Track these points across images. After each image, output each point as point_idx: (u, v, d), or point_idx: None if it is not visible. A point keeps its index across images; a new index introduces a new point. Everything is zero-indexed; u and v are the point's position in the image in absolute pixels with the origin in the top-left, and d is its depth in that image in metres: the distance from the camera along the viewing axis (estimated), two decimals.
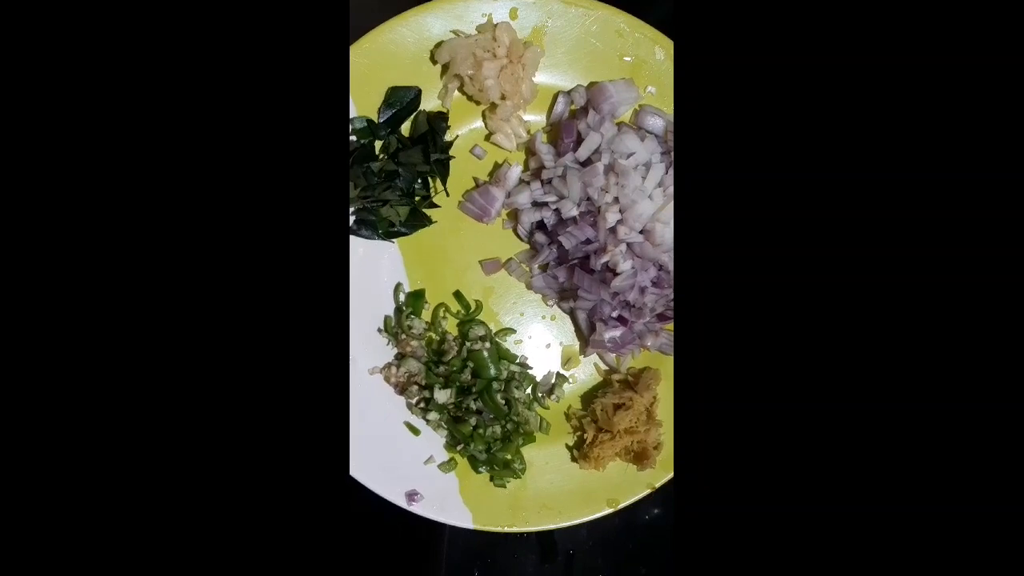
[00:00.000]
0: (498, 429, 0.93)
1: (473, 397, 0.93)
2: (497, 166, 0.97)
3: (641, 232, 0.90)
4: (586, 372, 1.01)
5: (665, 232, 0.90)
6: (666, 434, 0.98)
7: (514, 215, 0.98)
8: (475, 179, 0.97)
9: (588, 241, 0.91)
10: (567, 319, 1.00)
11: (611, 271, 0.91)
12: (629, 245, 0.90)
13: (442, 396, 0.92)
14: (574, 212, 0.91)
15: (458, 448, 0.95)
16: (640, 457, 0.97)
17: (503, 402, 0.94)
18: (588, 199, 0.91)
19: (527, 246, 0.99)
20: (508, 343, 0.99)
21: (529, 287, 0.99)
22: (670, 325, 0.98)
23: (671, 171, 0.92)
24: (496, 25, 0.91)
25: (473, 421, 0.93)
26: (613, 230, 0.90)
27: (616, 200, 0.90)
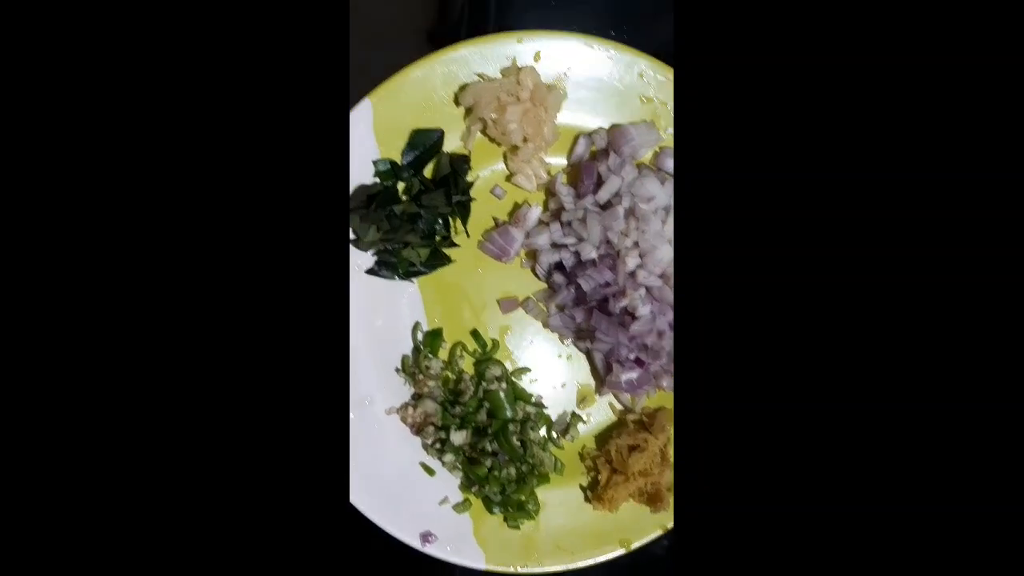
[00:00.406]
0: (513, 471, 0.93)
1: (489, 439, 0.93)
2: (517, 206, 0.97)
3: (660, 276, 0.91)
4: (601, 411, 1.01)
5: None
6: None
7: (532, 255, 0.98)
8: (495, 219, 0.98)
9: (607, 284, 0.91)
10: (583, 358, 1.00)
11: (630, 315, 0.91)
12: (648, 289, 0.91)
13: (458, 438, 0.92)
14: (593, 255, 0.92)
15: (473, 489, 0.95)
16: (654, 499, 0.97)
17: (518, 444, 0.94)
18: (607, 242, 0.91)
19: (545, 285, 0.99)
20: (524, 382, 0.99)
21: (546, 326, 0.99)
22: None
23: None
24: (520, 69, 0.91)
25: (488, 463, 0.93)
26: (632, 274, 0.90)
27: (636, 244, 0.90)
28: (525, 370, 0.99)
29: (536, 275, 0.98)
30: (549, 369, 0.99)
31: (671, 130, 0.98)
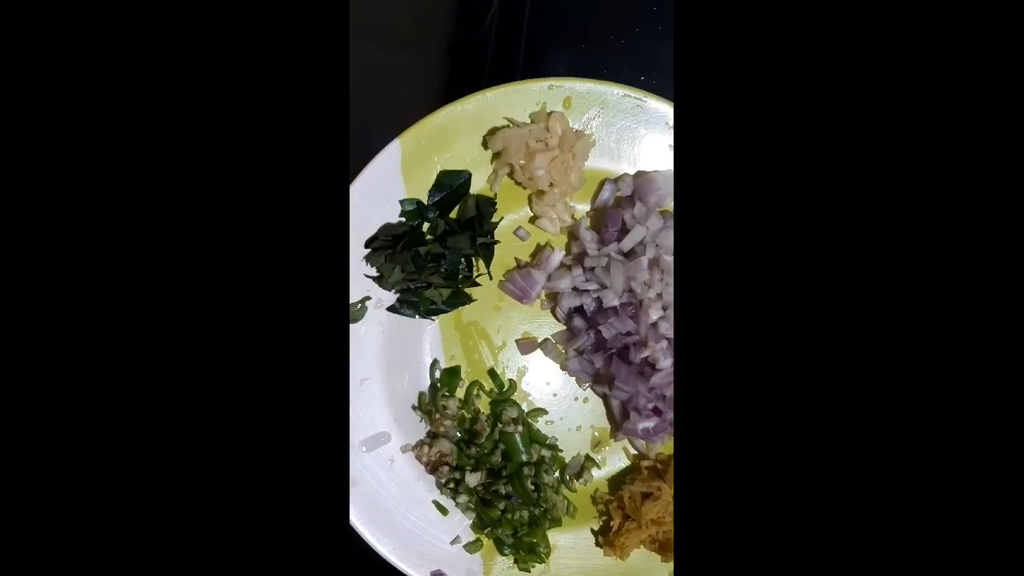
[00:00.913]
0: (526, 514, 0.93)
1: (503, 481, 0.93)
2: (540, 248, 0.98)
3: None
4: (615, 456, 1.00)
5: None
6: None
7: (553, 296, 0.98)
8: (517, 259, 0.98)
9: (628, 333, 0.91)
10: (599, 401, 1.00)
11: (650, 366, 0.91)
12: (670, 341, 0.90)
13: (473, 479, 0.92)
14: (616, 303, 0.92)
15: (485, 530, 0.95)
16: (665, 548, 0.96)
17: (532, 487, 0.93)
18: (630, 291, 0.91)
19: (564, 327, 0.99)
20: (539, 423, 0.99)
21: (564, 368, 0.99)
22: None
23: None
24: (550, 114, 0.92)
25: (502, 505, 0.93)
26: (655, 325, 0.90)
27: (659, 296, 0.90)
28: (541, 411, 0.99)
29: (556, 317, 0.98)
30: (565, 411, 0.99)
31: None
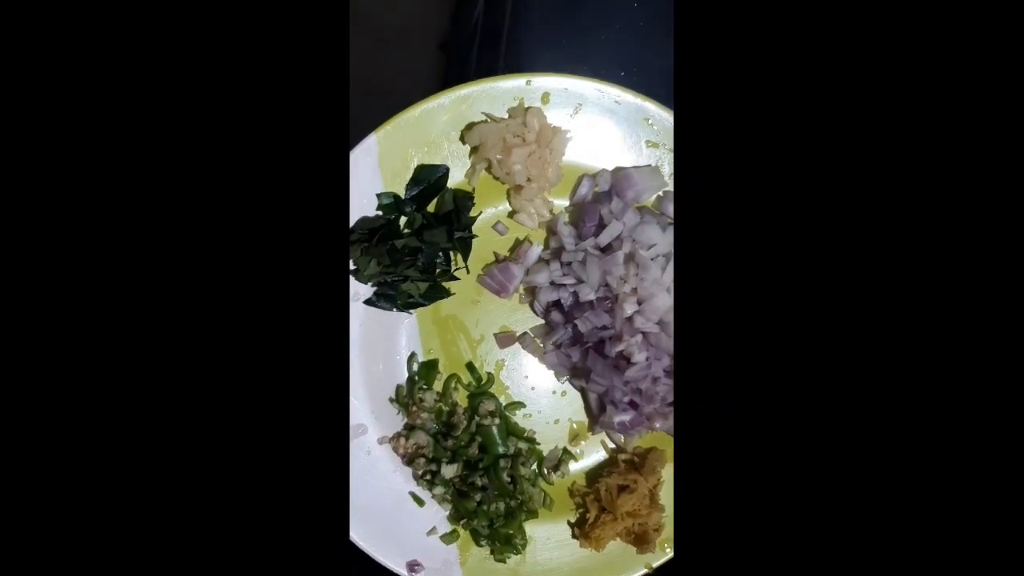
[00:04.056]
0: (502, 505, 0.94)
1: (479, 473, 0.94)
2: (518, 242, 0.98)
3: (658, 323, 0.91)
4: (593, 449, 1.01)
5: None
6: (667, 517, 0.98)
7: (532, 290, 0.98)
8: (495, 254, 0.98)
9: (604, 327, 0.92)
10: (577, 395, 1.01)
11: (625, 359, 0.92)
12: (645, 335, 0.91)
13: (449, 471, 0.93)
14: (591, 296, 0.92)
15: (461, 521, 0.96)
16: (640, 540, 0.97)
17: (508, 479, 0.94)
18: (606, 285, 0.92)
19: (542, 321, 1.00)
20: (517, 417, 0.99)
21: (542, 362, 0.99)
22: None
23: None
24: (527, 109, 0.92)
25: (478, 497, 0.93)
26: (630, 319, 0.91)
27: (634, 291, 0.90)
28: (519, 405, 0.99)
29: (534, 311, 0.99)
30: (543, 404, 1.00)
31: None
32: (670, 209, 0.97)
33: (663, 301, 0.90)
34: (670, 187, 0.98)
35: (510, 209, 0.97)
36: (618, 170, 0.96)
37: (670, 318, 0.90)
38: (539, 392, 1.00)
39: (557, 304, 0.96)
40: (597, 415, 0.98)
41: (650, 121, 0.96)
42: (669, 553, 0.98)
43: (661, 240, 0.92)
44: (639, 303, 0.90)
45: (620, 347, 0.90)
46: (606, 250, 0.93)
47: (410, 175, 0.93)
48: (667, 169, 0.97)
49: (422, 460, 0.94)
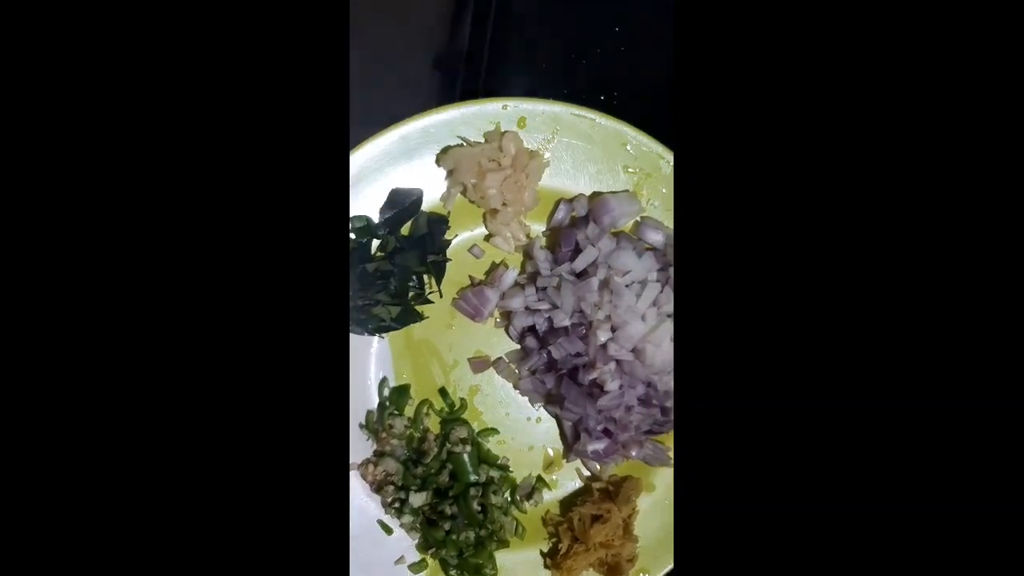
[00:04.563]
0: (472, 535, 0.92)
1: (449, 502, 0.92)
2: (494, 266, 0.97)
3: (632, 351, 0.90)
4: (568, 476, 1.00)
5: (656, 354, 0.89)
6: (641, 548, 0.97)
7: (507, 315, 0.97)
8: (471, 277, 0.97)
9: (578, 354, 0.91)
10: (553, 422, 0.99)
11: (599, 387, 0.90)
12: (619, 362, 0.90)
13: (417, 500, 0.91)
14: (566, 323, 0.91)
15: (430, 551, 0.94)
16: (613, 571, 0.95)
17: (479, 508, 0.93)
18: (581, 311, 0.91)
19: (518, 346, 0.98)
20: (491, 443, 0.98)
21: (517, 388, 0.98)
22: (656, 437, 0.98)
23: (667, 289, 0.91)
24: (503, 134, 0.91)
25: (447, 526, 0.92)
26: (604, 347, 0.89)
27: (608, 317, 0.89)
28: (493, 431, 0.98)
29: (509, 335, 0.98)
30: (518, 431, 0.98)
31: (654, 202, 0.97)
32: (648, 235, 0.96)
33: (637, 329, 0.88)
34: (647, 211, 0.97)
35: (487, 232, 0.96)
36: (595, 195, 0.96)
37: (644, 346, 0.89)
38: (513, 418, 0.98)
39: (532, 329, 0.95)
40: (572, 443, 0.96)
41: (628, 146, 0.95)
42: None
43: (637, 266, 0.91)
44: (613, 330, 0.89)
45: (593, 375, 0.89)
46: (581, 276, 0.92)
47: (384, 199, 0.92)
48: (645, 194, 0.97)
49: (391, 488, 0.92)
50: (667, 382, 0.91)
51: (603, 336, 0.89)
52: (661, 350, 0.89)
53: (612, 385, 0.89)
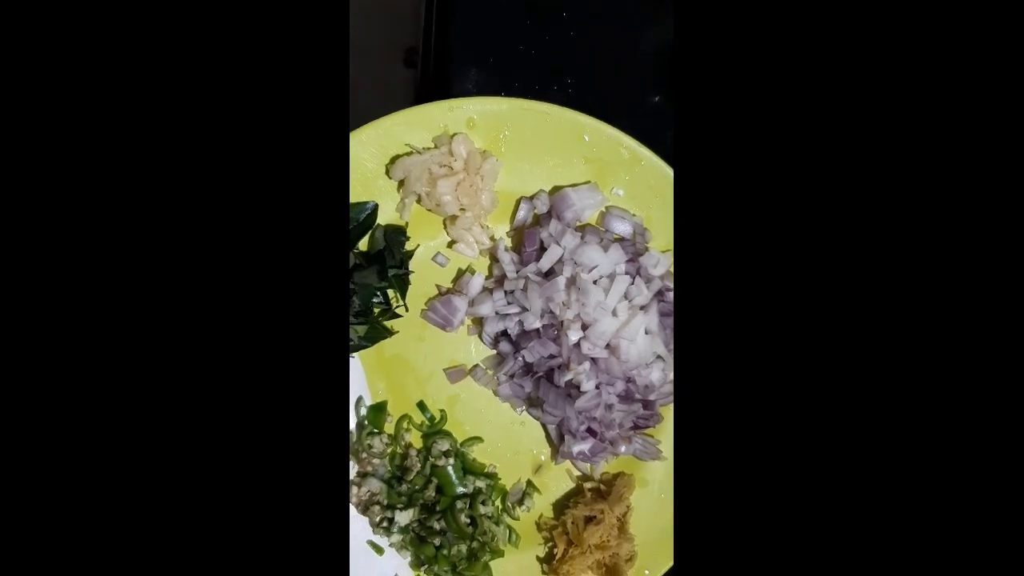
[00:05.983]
0: (463, 548, 0.91)
1: (437, 517, 0.90)
2: (460, 272, 0.95)
3: (606, 347, 0.87)
4: (560, 478, 0.98)
5: (631, 349, 0.86)
6: (641, 545, 0.95)
7: (479, 321, 0.95)
8: (438, 286, 0.95)
9: (552, 356, 0.88)
10: (538, 425, 0.97)
11: (576, 387, 0.88)
12: (594, 360, 0.87)
13: (404, 518, 0.89)
14: (537, 324, 0.88)
15: (422, 568, 0.92)
16: (612, 572, 0.93)
17: (467, 521, 0.91)
18: (550, 312, 0.88)
19: (493, 352, 0.96)
20: (476, 452, 0.96)
21: (496, 394, 0.96)
22: (644, 431, 0.95)
23: (637, 281, 0.89)
24: (452, 137, 0.89)
25: (437, 542, 0.90)
26: (577, 346, 0.87)
27: (578, 316, 0.87)
28: (477, 440, 0.96)
29: (483, 342, 0.95)
30: (502, 436, 0.96)
31: (618, 190, 0.94)
32: (614, 225, 0.93)
33: (607, 325, 0.86)
34: (612, 201, 0.94)
35: (449, 239, 0.94)
36: (555, 190, 0.93)
37: (618, 342, 0.86)
38: (497, 424, 0.96)
39: (505, 334, 0.93)
40: (558, 445, 0.94)
41: (586, 136, 0.92)
42: None
43: (603, 261, 0.88)
44: (584, 328, 0.86)
45: (568, 376, 0.87)
46: (548, 275, 0.89)
47: None
48: (608, 183, 0.93)
49: (377, 507, 0.91)
50: (645, 376, 0.88)
51: (574, 336, 0.86)
52: (636, 344, 0.86)
53: (588, 385, 0.87)
